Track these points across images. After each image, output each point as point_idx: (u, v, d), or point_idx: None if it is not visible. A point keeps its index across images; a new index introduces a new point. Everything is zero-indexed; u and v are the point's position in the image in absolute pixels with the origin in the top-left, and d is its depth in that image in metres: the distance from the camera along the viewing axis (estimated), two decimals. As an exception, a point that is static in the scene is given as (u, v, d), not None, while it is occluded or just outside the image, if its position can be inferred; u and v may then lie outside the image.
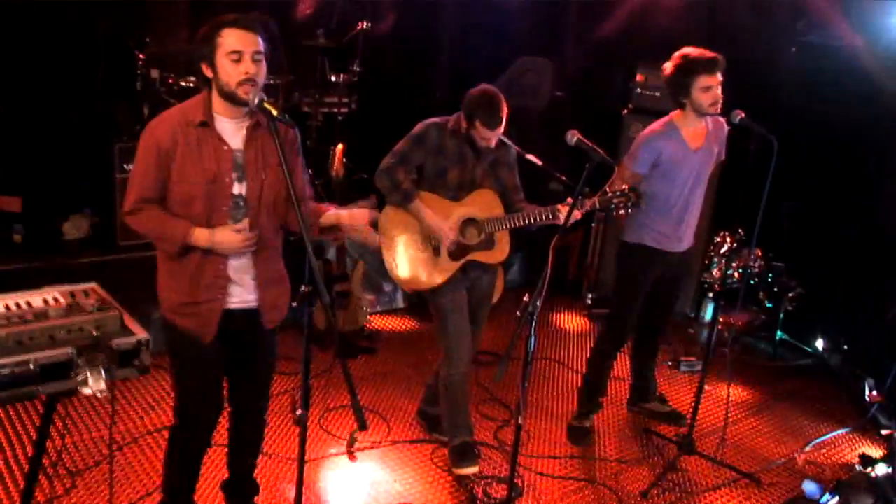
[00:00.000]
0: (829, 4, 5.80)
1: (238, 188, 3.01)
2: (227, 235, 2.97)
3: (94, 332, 2.31)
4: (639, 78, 6.29)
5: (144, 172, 2.95)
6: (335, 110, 6.76)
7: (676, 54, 4.28)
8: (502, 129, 3.94)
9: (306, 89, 6.75)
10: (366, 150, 6.82)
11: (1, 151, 5.16)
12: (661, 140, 4.33)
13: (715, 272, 6.48)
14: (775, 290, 6.46)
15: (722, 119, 4.43)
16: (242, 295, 3.11)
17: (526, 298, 3.73)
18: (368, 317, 5.86)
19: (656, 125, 4.41)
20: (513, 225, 4.02)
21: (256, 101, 2.84)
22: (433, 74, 7.50)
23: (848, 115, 6.04)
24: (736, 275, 6.39)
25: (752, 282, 6.54)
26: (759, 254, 6.51)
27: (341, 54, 6.66)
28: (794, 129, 6.23)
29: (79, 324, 2.31)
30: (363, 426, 2.78)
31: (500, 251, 4.15)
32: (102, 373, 2.27)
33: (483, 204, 4.08)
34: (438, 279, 4.07)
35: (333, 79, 6.49)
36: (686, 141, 4.33)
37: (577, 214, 3.81)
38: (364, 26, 6.41)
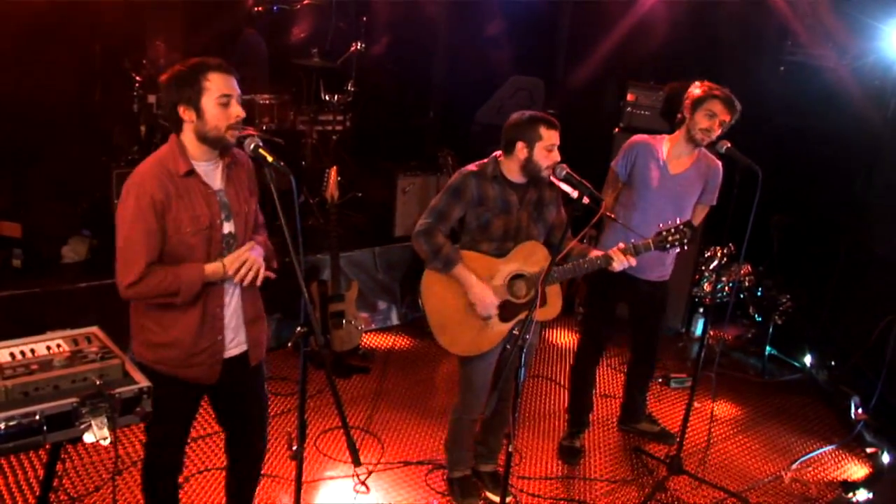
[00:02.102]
0: (814, 27, 5.88)
1: (227, 227, 3.05)
2: (237, 263, 2.98)
3: (98, 381, 2.38)
4: (629, 97, 6.38)
5: (148, 233, 2.86)
6: (330, 128, 6.85)
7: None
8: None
9: (301, 108, 6.84)
10: (360, 169, 6.93)
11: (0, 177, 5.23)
12: (641, 149, 4.44)
13: (705, 286, 6.59)
14: (765, 303, 6.57)
15: (719, 164, 4.48)
16: (233, 337, 3.16)
17: (516, 332, 3.87)
18: (363, 335, 5.93)
19: (648, 136, 4.52)
20: (565, 278, 3.87)
21: (252, 146, 2.88)
22: (427, 93, 7.59)
23: (835, 133, 6.16)
24: (726, 289, 6.51)
25: (741, 296, 6.64)
26: (749, 268, 6.61)
27: (336, 74, 6.75)
28: (783, 146, 6.35)
29: (83, 374, 2.39)
30: (357, 462, 2.87)
31: (553, 307, 3.95)
32: (105, 421, 2.34)
33: (530, 257, 3.87)
34: (488, 344, 3.87)
35: (328, 98, 6.57)
36: (667, 161, 4.42)
37: (632, 262, 3.82)
38: (358, 47, 6.49)
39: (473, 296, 3.79)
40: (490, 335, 3.88)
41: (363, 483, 4.36)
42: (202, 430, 4.52)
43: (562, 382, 5.76)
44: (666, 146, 4.46)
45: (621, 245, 3.83)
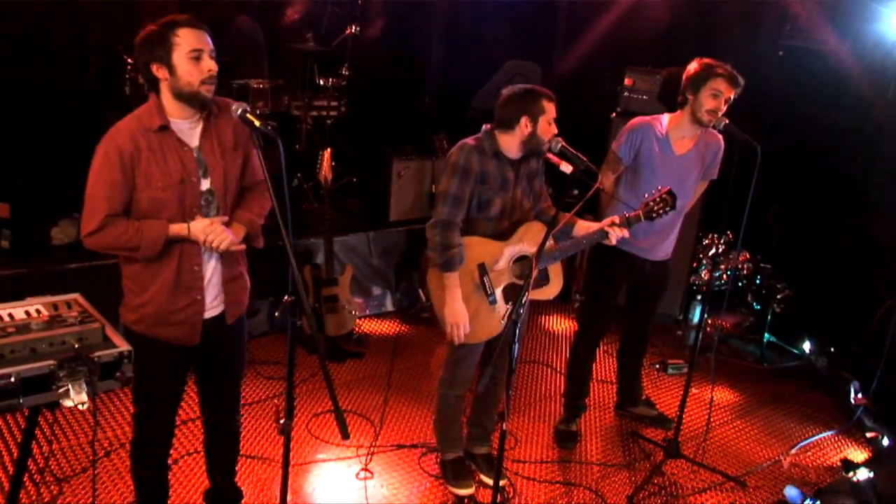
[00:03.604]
0: (814, 10, 5.82)
1: (205, 184, 3.02)
2: (205, 224, 2.95)
3: (76, 345, 2.31)
4: (627, 82, 6.30)
5: (111, 184, 2.87)
6: (324, 114, 6.78)
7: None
8: None
9: (295, 93, 6.77)
10: (355, 154, 6.86)
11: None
12: (645, 130, 4.34)
13: (703, 274, 6.53)
14: (763, 291, 6.51)
15: (720, 138, 4.42)
16: (214, 296, 3.14)
17: (509, 307, 3.82)
18: (357, 321, 5.86)
19: (648, 117, 4.43)
20: (565, 255, 3.88)
21: (239, 111, 2.83)
22: (422, 78, 7.52)
23: (834, 119, 6.10)
24: (724, 277, 6.45)
25: (740, 284, 6.59)
26: (748, 256, 6.56)
27: (330, 58, 6.68)
28: (781, 133, 6.29)
29: (60, 336, 2.32)
30: (345, 435, 2.80)
31: (556, 284, 3.96)
32: (84, 385, 2.28)
33: (533, 237, 3.81)
34: (497, 329, 3.81)
35: (322, 83, 6.50)
36: (671, 143, 4.35)
37: (626, 233, 3.83)
38: (353, 31, 6.42)
39: (448, 311, 3.69)
40: (496, 321, 3.82)
41: (366, 469, 4.30)
42: (192, 414, 4.45)
43: (558, 368, 5.69)
44: (668, 127, 4.38)
45: (615, 218, 3.83)
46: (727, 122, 4.14)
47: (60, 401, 2.27)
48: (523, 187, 3.86)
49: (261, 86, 6.40)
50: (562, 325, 6.51)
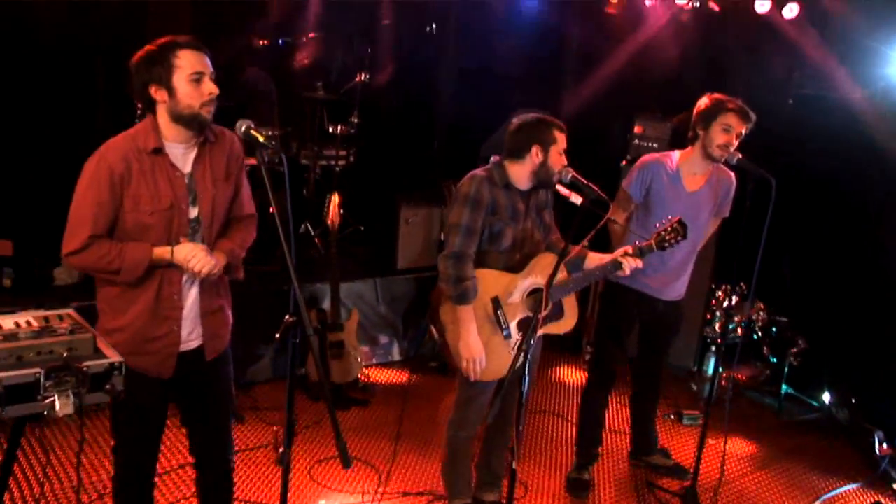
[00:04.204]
0: (825, 55, 5.81)
1: (193, 212, 2.94)
2: (189, 248, 2.86)
3: (65, 354, 2.20)
4: (637, 129, 6.28)
5: (98, 203, 2.78)
6: (333, 163, 6.77)
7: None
8: None
9: (305, 141, 6.78)
10: (363, 201, 6.82)
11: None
12: (656, 168, 4.29)
13: (717, 326, 6.38)
14: (779, 344, 6.36)
15: (732, 175, 4.38)
16: (192, 329, 3.02)
17: (517, 337, 3.69)
18: (363, 369, 5.72)
19: (659, 154, 4.38)
20: (579, 287, 3.77)
21: (243, 128, 2.77)
22: (432, 123, 7.53)
23: (846, 167, 6.02)
24: (738, 329, 6.31)
25: (755, 336, 6.44)
26: (762, 307, 6.42)
27: (340, 105, 6.70)
28: (793, 182, 6.18)
29: (49, 346, 2.21)
30: (346, 464, 2.65)
31: (571, 317, 3.84)
32: (71, 396, 2.16)
33: (545, 269, 3.65)
34: (508, 368, 3.58)
35: (332, 130, 6.49)
36: (683, 179, 4.28)
37: (639, 264, 3.74)
38: (363, 78, 6.45)
39: (464, 345, 3.57)
40: (511, 355, 3.63)
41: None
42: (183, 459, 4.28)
43: (569, 418, 5.52)
44: (679, 163, 4.33)
45: (628, 249, 3.75)
46: (741, 156, 4.08)
47: (46, 412, 2.14)
48: (533, 219, 3.79)
49: (270, 133, 6.40)
50: (573, 376, 6.34)
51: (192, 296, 2.99)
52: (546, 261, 3.74)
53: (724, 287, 6.32)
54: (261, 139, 2.75)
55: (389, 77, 6.97)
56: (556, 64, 7.19)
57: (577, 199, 3.67)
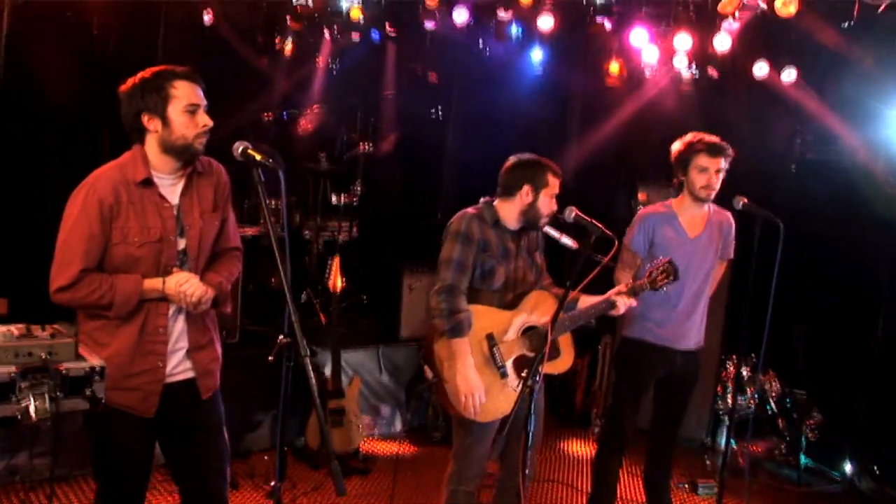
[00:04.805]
0: (826, 118, 5.83)
1: (181, 244, 2.88)
2: (183, 275, 2.79)
3: (44, 356, 2.10)
4: (641, 196, 6.29)
5: (89, 237, 2.69)
6: (335, 235, 6.74)
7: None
8: None
9: (307, 212, 6.78)
10: (366, 272, 6.75)
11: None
12: (656, 219, 4.26)
13: (729, 399, 6.19)
14: (794, 417, 6.15)
15: (730, 216, 4.35)
16: (177, 363, 2.90)
17: (524, 374, 3.54)
18: (364, 438, 5.52)
19: (655, 206, 4.35)
20: (575, 325, 3.68)
21: (241, 149, 2.72)
22: (436, 191, 7.55)
23: (853, 233, 5.96)
24: (752, 402, 6.12)
25: (768, 409, 6.23)
26: (775, 377, 6.25)
27: (343, 175, 6.72)
28: (800, 251, 6.12)
29: (27, 348, 2.11)
30: (341, 491, 2.50)
31: (567, 357, 3.74)
32: (47, 400, 2.04)
33: (540, 307, 3.64)
34: (509, 405, 3.35)
35: (335, 200, 6.49)
36: (683, 226, 4.24)
37: (633, 303, 3.70)
38: (366, 147, 6.49)
39: (461, 380, 3.43)
40: (508, 397, 3.52)
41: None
42: None
43: (579, 487, 5.27)
44: (676, 211, 4.29)
45: (621, 287, 3.71)
46: (745, 201, 4.04)
47: (20, 416, 2.02)
48: (525, 259, 3.73)
49: (273, 205, 6.39)
50: (582, 448, 6.12)
51: (178, 329, 2.89)
52: (538, 298, 3.67)
53: (734, 358, 6.16)
54: (258, 158, 2.71)
55: (392, 146, 7.02)
56: (560, 129, 7.24)
57: (568, 241, 3.69)
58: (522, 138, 6.87)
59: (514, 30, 6.22)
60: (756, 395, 6.03)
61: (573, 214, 3.52)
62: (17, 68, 5.33)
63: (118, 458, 2.85)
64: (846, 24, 4.14)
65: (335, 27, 6.61)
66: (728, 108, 6.28)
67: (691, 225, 4.26)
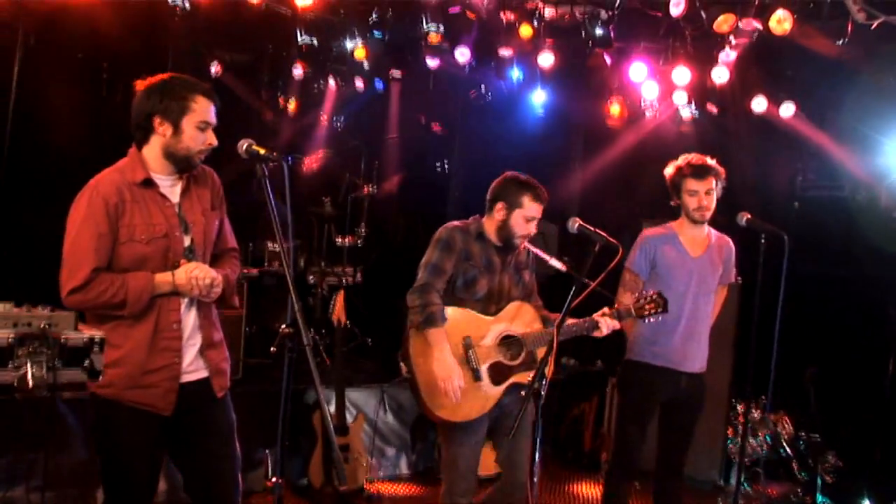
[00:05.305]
0: (827, 152, 5.87)
1: (186, 240, 2.92)
2: (192, 264, 2.83)
3: (42, 325, 2.07)
4: (646, 233, 6.27)
5: (98, 235, 2.71)
6: (341, 280, 6.74)
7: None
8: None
9: (311, 256, 6.79)
10: (370, 315, 6.72)
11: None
12: (656, 240, 4.27)
13: (738, 441, 6.07)
14: (809, 460, 6.02)
15: (729, 240, 4.37)
16: (192, 361, 2.91)
17: (529, 378, 3.50)
18: (368, 476, 5.40)
19: (656, 227, 4.36)
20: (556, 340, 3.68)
21: (245, 146, 2.82)
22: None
23: (861, 270, 5.94)
24: (765, 445, 6.01)
25: (782, 451, 6.11)
26: (787, 419, 6.14)
27: (347, 218, 6.76)
28: (806, 291, 6.07)
29: (27, 317, 2.09)
30: (342, 480, 2.44)
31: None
32: (44, 369, 2.01)
33: (520, 318, 3.70)
34: (482, 409, 3.54)
35: (339, 242, 6.51)
36: (684, 246, 4.25)
37: (616, 325, 3.72)
38: (370, 190, 6.54)
39: (438, 366, 3.47)
40: (481, 399, 3.56)
41: None
42: None
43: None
44: (678, 231, 4.31)
45: (606, 310, 3.74)
46: (749, 216, 4.05)
47: (16, 383, 1.99)
48: (511, 276, 3.77)
49: (275, 248, 6.42)
50: (592, 491, 5.96)
51: (190, 324, 2.91)
52: (519, 310, 3.71)
53: (743, 403, 6.07)
54: (262, 152, 2.82)
55: (396, 187, 7.08)
56: (564, 172, 7.29)
57: (556, 264, 3.82)
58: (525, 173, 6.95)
59: (517, 73, 6.34)
60: (768, 438, 5.92)
61: (576, 225, 3.60)
62: (29, 104, 5.44)
63: (129, 455, 2.82)
64: (840, 41, 4.21)
65: (339, 77, 6.76)
66: (730, 147, 6.33)
67: (693, 245, 4.27)
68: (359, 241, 6.57)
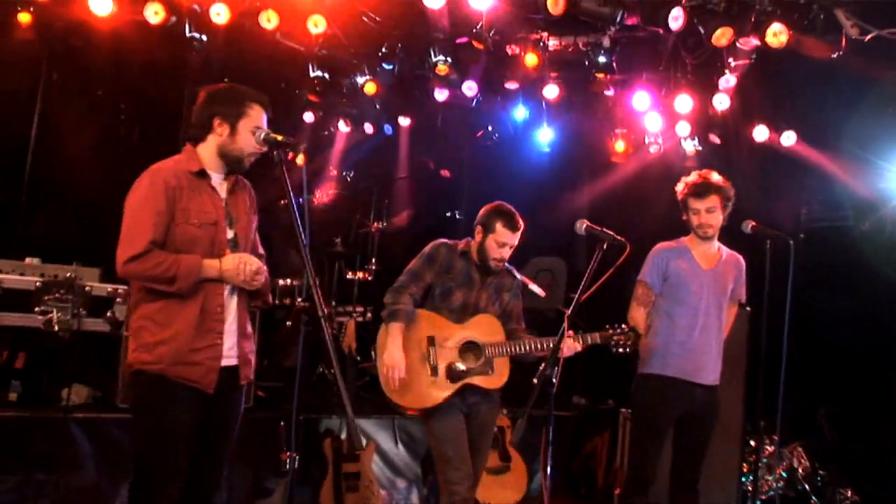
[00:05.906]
0: (830, 180, 5.95)
1: (230, 233, 3.11)
2: (235, 260, 3.02)
3: (68, 274, 2.15)
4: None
5: (157, 212, 2.92)
6: (353, 318, 6.77)
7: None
8: (519, 236, 3.99)
9: (321, 293, 6.84)
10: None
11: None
12: (669, 253, 4.34)
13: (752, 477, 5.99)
14: (827, 497, 5.93)
15: (740, 257, 4.43)
16: (231, 345, 3.11)
17: (542, 367, 3.54)
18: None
19: (668, 242, 4.42)
20: (513, 352, 3.96)
21: (262, 135, 3.04)
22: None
23: (866, 300, 5.94)
24: (781, 481, 5.93)
25: (799, 488, 6.02)
26: (803, 455, 6.07)
27: (357, 256, 6.85)
28: (814, 327, 6.06)
29: (54, 269, 2.17)
30: (358, 446, 2.48)
31: (499, 377, 4.01)
32: (69, 316, 2.07)
33: (485, 328, 4.00)
34: (433, 400, 3.87)
35: (350, 276, 6.58)
36: (696, 259, 4.31)
37: (577, 347, 3.86)
38: (379, 225, 6.64)
39: (387, 355, 3.81)
40: (435, 392, 3.88)
41: None
42: None
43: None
44: (689, 246, 4.38)
45: (570, 333, 3.79)
46: (754, 224, 4.14)
47: (43, 326, 2.05)
48: (490, 295, 4.03)
49: (288, 284, 6.49)
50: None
51: (232, 310, 3.10)
52: (487, 322, 4.00)
53: (755, 438, 6.01)
54: (279, 139, 3.03)
55: (406, 223, 7.18)
56: (570, 205, 7.37)
57: (536, 289, 4.14)
58: (533, 214, 7.04)
59: (522, 112, 6.50)
60: (784, 474, 5.86)
61: (584, 226, 3.75)
62: (49, 142, 5.59)
63: (173, 436, 2.93)
64: (835, 54, 4.34)
65: (349, 119, 6.94)
66: (733, 180, 6.41)
67: (704, 258, 4.33)
68: (369, 277, 6.64)
